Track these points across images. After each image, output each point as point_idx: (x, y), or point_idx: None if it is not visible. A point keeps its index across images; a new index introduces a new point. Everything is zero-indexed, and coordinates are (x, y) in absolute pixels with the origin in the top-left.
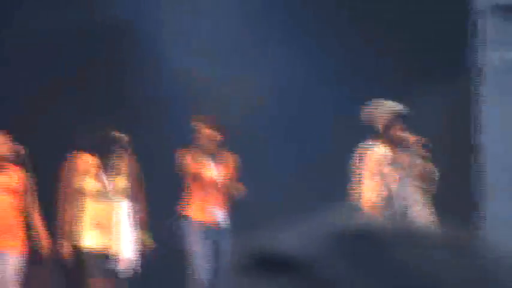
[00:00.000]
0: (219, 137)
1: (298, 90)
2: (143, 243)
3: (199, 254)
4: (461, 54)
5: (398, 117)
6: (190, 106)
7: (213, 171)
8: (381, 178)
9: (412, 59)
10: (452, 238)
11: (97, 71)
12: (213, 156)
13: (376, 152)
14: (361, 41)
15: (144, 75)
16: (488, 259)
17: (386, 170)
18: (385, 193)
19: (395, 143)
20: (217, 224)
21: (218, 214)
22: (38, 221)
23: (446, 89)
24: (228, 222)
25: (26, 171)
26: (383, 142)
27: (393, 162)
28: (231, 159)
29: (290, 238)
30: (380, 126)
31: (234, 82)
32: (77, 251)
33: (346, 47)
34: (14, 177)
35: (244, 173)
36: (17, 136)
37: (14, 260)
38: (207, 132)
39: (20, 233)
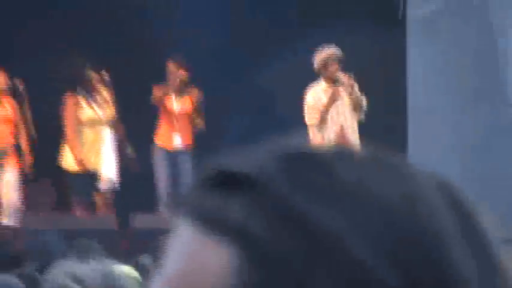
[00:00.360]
0: (184, 75)
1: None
2: (124, 164)
3: (161, 173)
4: (395, 9)
5: (334, 59)
6: (170, 52)
7: (177, 104)
8: (320, 109)
9: (355, 9)
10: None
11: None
12: (179, 91)
13: (317, 88)
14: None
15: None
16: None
17: (325, 102)
18: (322, 120)
19: (332, 80)
20: (177, 148)
21: (179, 140)
22: (25, 145)
23: (381, 36)
24: (189, 147)
25: (22, 102)
26: (324, 80)
27: (331, 95)
28: (194, 94)
29: (244, 160)
30: (320, 68)
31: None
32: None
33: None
34: (9, 108)
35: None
36: (13, 70)
37: (11, 174)
38: (174, 71)
39: (13, 155)
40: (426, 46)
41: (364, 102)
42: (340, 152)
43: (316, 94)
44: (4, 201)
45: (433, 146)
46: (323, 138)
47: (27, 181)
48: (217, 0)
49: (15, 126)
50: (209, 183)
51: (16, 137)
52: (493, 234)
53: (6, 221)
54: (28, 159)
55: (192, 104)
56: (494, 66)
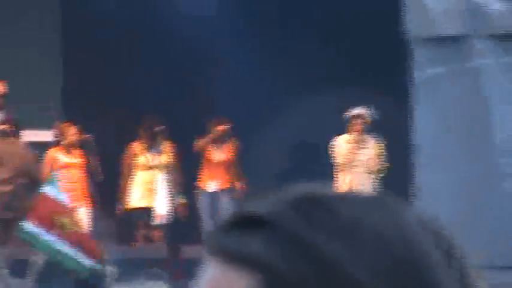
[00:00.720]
0: (224, 129)
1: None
2: (176, 204)
3: (204, 212)
4: (400, 74)
5: (358, 118)
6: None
7: (219, 154)
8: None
9: (366, 79)
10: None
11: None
12: (219, 144)
13: (342, 141)
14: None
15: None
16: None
17: (350, 154)
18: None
19: (357, 133)
20: (217, 191)
21: (212, 184)
22: (93, 188)
23: (391, 100)
24: (230, 193)
25: (91, 154)
26: (349, 135)
27: (355, 150)
28: (233, 147)
29: (263, 203)
30: (348, 125)
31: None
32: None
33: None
34: (80, 157)
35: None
36: (84, 127)
37: (83, 211)
38: (215, 128)
39: (86, 195)
40: (430, 104)
41: (386, 166)
42: (344, 194)
43: (342, 142)
44: None
45: (434, 189)
46: (347, 179)
47: (95, 217)
48: (257, 64)
49: (86, 172)
50: (233, 224)
51: (87, 181)
52: (468, 262)
53: None
54: (95, 199)
55: (231, 153)
56: (485, 126)
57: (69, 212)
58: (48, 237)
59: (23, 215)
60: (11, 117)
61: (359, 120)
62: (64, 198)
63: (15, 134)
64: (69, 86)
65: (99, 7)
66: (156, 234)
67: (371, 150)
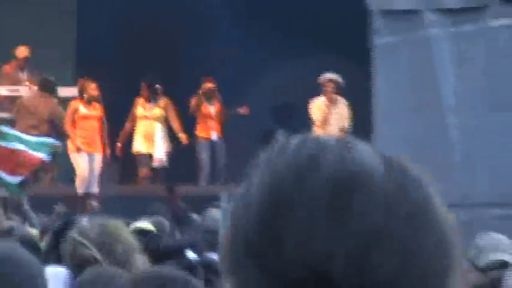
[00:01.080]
0: (210, 88)
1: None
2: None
3: (203, 156)
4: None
5: (330, 82)
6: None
7: (211, 108)
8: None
9: (333, 47)
10: None
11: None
12: (211, 100)
13: (318, 102)
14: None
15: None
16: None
17: (325, 113)
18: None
19: (328, 98)
20: (214, 139)
21: (214, 134)
22: (106, 136)
23: (355, 65)
24: (221, 139)
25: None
26: (323, 95)
27: (328, 110)
28: (219, 99)
29: None
30: (321, 87)
31: None
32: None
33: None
34: (98, 110)
35: None
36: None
37: (98, 156)
38: (205, 86)
39: (101, 142)
40: (387, 68)
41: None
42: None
43: (318, 103)
44: (94, 174)
45: (391, 140)
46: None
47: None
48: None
49: (102, 123)
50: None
51: (102, 130)
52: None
53: (94, 190)
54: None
55: (220, 106)
56: (433, 86)
57: None
58: None
59: None
60: (34, 75)
61: (331, 84)
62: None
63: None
64: (83, 47)
65: None
66: (155, 175)
67: (342, 110)
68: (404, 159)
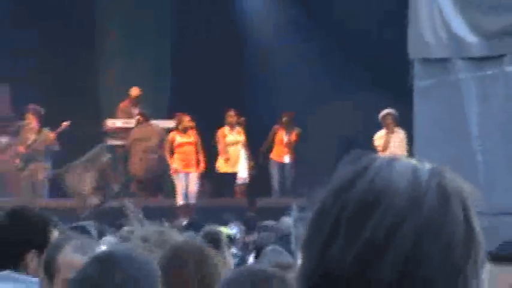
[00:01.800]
0: (289, 118)
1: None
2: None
3: (275, 176)
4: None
5: (388, 116)
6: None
7: (286, 137)
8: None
9: (386, 89)
10: None
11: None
12: (288, 129)
13: (380, 134)
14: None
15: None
16: None
17: (386, 142)
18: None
19: (389, 129)
20: (285, 162)
21: (286, 158)
22: (201, 157)
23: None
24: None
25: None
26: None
27: (388, 139)
28: (297, 131)
29: None
30: (381, 120)
31: None
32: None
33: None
34: (193, 137)
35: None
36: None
37: (193, 175)
38: (285, 117)
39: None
40: (424, 105)
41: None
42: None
43: (380, 134)
44: (190, 190)
45: (430, 162)
46: None
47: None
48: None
49: (196, 147)
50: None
51: (196, 153)
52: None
53: (191, 202)
54: (201, 166)
55: (296, 136)
56: (462, 118)
57: None
58: None
59: None
60: (142, 111)
61: (389, 117)
62: None
63: (142, 122)
64: (176, 86)
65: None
66: (239, 190)
67: (400, 139)
68: (443, 171)
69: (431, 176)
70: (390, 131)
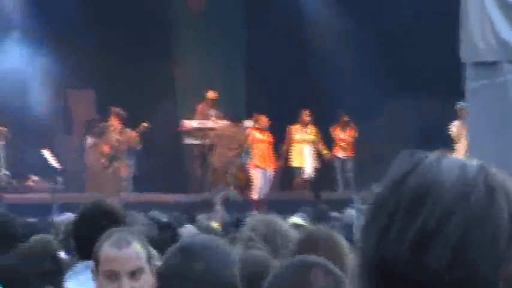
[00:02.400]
0: (346, 121)
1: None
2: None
3: (338, 171)
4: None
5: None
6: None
7: (343, 134)
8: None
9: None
10: None
11: None
12: (345, 128)
13: (455, 123)
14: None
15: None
16: None
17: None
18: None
19: (463, 121)
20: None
21: (344, 153)
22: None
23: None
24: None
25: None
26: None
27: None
28: (353, 129)
29: None
30: (458, 113)
31: None
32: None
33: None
34: (268, 136)
35: None
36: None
37: (269, 171)
38: (342, 118)
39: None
40: (479, 106)
41: None
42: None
43: (455, 124)
44: (266, 184)
45: (482, 157)
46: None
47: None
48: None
49: (271, 146)
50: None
51: (271, 151)
52: None
53: (263, 196)
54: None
55: (353, 134)
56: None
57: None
58: None
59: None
60: (219, 113)
61: (464, 111)
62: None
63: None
64: (252, 88)
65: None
66: (305, 184)
67: None
68: (490, 167)
69: (479, 172)
70: (463, 123)
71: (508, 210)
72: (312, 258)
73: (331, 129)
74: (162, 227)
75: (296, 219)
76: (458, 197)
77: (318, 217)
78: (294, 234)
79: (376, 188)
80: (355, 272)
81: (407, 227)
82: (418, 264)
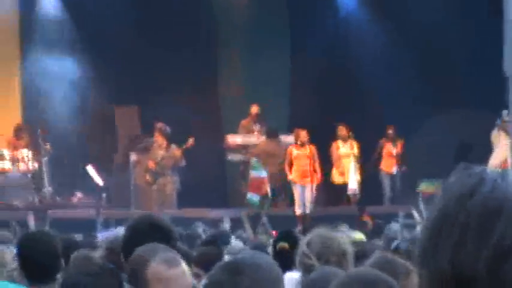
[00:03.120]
0: (394, 135)
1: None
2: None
3: (386, 186)
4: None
5: (504, 120)
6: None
7: (393, 149)
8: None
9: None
10: None
11: None
12: (394, 142)
13: (494, 132)
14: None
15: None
16: None
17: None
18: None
19: (503, 130)
20: (394, 173)
21: (394, 168)
22: (318, 168)
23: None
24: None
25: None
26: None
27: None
28: (401, 143)
29: None
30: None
31: None
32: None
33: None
34: (308, 150)
35: None
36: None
37: (309, 185)
38: (389, 132)
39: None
40: None
41: None
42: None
43: (494, 132)
44: (306, 199)
45: None
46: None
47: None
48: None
49: (312, 160)
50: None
51: (311, 165)
52: None
53: (307, 211)
54: (318, 177)
55: (401, 148)
56: None
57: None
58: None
59: None
60: (264, 127)
61: (504, 121)
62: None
63: (270, 137)
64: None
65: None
66: (350, 199)
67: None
68: None
69: None
70: (505, 132)
71: None
72: (376, 273)
73: (381, 142)
74: (207, 242)
75: (358, 234)
76: None
77: (375, 231)
78: (350, 250)
79: (436, 203)
80: (422, 284)
81: (483, 242)
82: (496, 278)
